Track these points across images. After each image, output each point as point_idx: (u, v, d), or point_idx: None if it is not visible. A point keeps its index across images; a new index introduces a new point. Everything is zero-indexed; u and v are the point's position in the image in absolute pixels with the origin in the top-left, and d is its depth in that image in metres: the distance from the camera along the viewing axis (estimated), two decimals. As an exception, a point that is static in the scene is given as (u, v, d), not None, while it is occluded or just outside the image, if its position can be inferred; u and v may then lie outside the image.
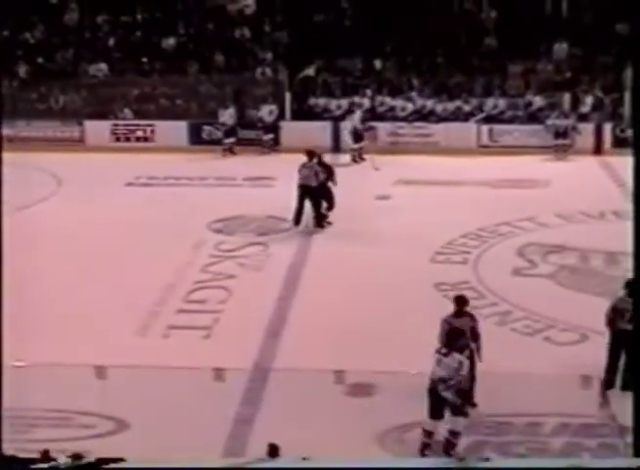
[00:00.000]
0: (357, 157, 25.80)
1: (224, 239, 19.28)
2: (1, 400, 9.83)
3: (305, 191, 19.72)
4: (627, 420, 11.08)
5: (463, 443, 11.34)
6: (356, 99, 27.86)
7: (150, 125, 27.75)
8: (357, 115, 26.65)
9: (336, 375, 12.34)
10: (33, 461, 8.87)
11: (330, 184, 19.92)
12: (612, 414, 11.03)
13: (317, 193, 19.73)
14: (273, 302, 15.90)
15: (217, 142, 27.18)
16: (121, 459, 8.84)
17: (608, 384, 12.55)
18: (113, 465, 8.73)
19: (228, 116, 26.89)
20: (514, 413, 11.95)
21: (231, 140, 26.77)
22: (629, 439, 10.85)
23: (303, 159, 20.00)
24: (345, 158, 25.45)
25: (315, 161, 20.01)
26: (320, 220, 19.78)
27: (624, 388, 12.25)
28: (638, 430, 8.25)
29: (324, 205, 19.94)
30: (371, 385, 12.43)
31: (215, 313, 15.46)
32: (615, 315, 12.70)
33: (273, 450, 9.79)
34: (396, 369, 12.47)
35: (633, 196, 8.38)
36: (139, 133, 27.75)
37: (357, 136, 26.30)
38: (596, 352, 12.92)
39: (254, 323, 14.90)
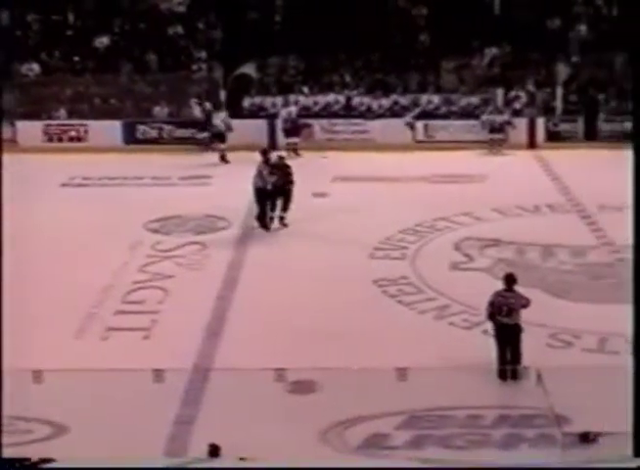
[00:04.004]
0: (292, 153, 25.77)
1: (161, 239, 19.16)
2: (1, 404, 9.70)
3: (256, 193, 19.63)
4: (564, 410, 11.23)
5: (404, 438, 11.40)
6: (291, 97, 27.85)
7: (83, 125, 27.52)
8: (291, 110, 26.65)
9: (276, 373, 12.29)
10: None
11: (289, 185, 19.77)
12: (549, 405, 11.12)
13: (263, 194, 19.62)
14: (212, 301, 15.83)
15: (152, 141, 27.02)
16: (52, 459, 8.72)
17: (501, 374, 12.80)
18: (47, 465, 8.60)
19: (219, 120, 26.40)
20: (454, 406, 12.01)
21: (223, 146, 25.98)
22: (566, 428, 11.01)
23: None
24: (282, 154, 25.40)
25: (262, 161, 19.88)
26: (262, 221, 19.64)
27: (513, 377, 12.68)
28: (638, 430, 8.31)
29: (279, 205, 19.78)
30: (312, 382, 12.41)
31: (154, 314, 15.35)
32: (493, 310, 12.99)
33: (214, 451, 9.76)
34: (338, 366, 12.47)
35: (633, 196, 8.47)
36: (72, 133, 27.50)
37: (291, 132, 26.29)
38: (532, 344, 13.06)
39: (194, 323, 14.82)
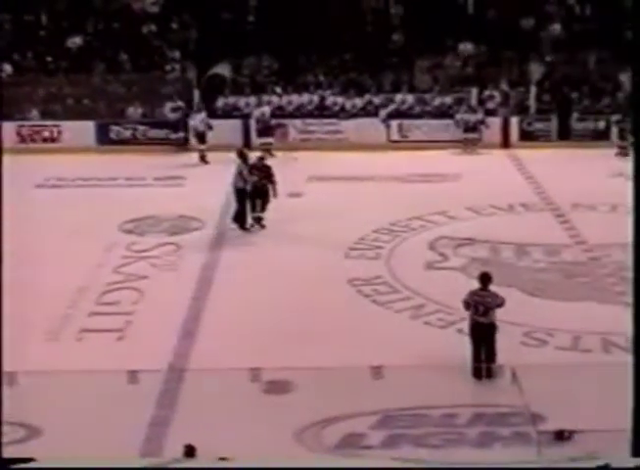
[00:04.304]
0: (266, 153, 25.74)
1: (136, 240, 19.10)
2: (1, 406, 9.64)
3: (236, 192, 19.57)
4: (539, 408, 11.27)
5: (379, 437, 11.41)
6: (265, 97, 27.83)
7: (56, 126, 27.36)
8: (264, 110, 26.64)
9: (252, 373, 12.29)
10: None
11: (269, 185, 19.69)
12: (524, 403, 11.17)
13: (243, 194, 19.57)
14: (187, 301, 15.79)
15: (126, 142, 26.93)
16: (31, 459, 8.67)
17: (476, 373, 12.86)
18: (23, 465, 8.54)
19: (199, 120, 26.26)
20: (429, 405, 12.03)
21: (203, 147, 25.82)
22: (541, 426, 11.05)
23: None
24: (262, 155, 25.38)
25: (241, 161, 19.85)
26: (241, 222, 19.59)
27: (488, 376, 12.75)
28: (638, 430, 8.32)
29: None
30: (288, 382, 12.42)
31: (128, 315, 15.30)
32: (468, 309, 13.06)
33: (189, 452, 9.73)
34: (313, 365, 12.48)
35: (633, 196, 8.51)
36: (45, 134, 27.35)
37: (264, 132, 26.27)
38: (507, 343, 13.11)
39: (168, 324, 14.79)
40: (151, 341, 14.15)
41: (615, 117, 26.66)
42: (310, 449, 11.17)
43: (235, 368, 12.28)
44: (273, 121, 26.93)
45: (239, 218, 19.52)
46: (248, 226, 19.53)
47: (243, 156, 19.97)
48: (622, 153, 25.38)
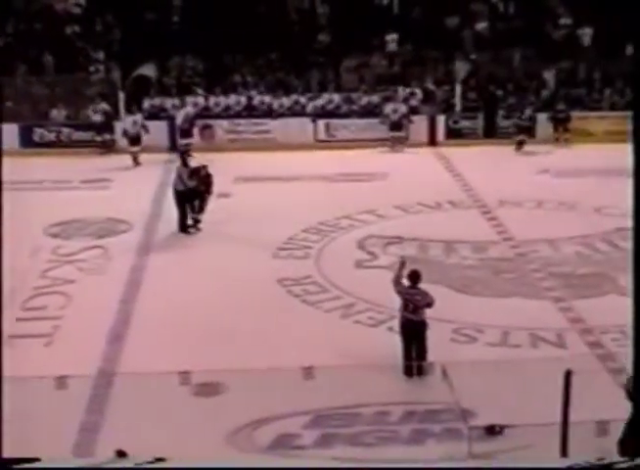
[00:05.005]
0: (186, 154, 25.65)
1: (62, 243, 18.86)
2: (1, 408, 9.42)
3: (176, 196, 19.46)
4: (470, 404, 11.34)
5: (312, 437, 11.40)
6: (190, 98, 27.70)
7: (-22, 129, 26.87)
8: (186, 111, 26.50)
9: (181, 376, 12.19)
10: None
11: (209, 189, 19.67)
12: (455, 399, 11.23)
13: (182, 197, 19.44)
14: (115, 305, 15.63)
15: (50, 144, 26.59)
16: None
17: (407, 371, 12.94)
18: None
19: (131, 123, 25.97)
20: (361, 404, 12.05)
21: (136, 149, 25.53)
22: (472, 422, 11.12)
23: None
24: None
25: (181, 164, 19.70)
26: (183, 224, 19.45)
27: (419, 373, 12.85)
28: (638, 428, 8.39)
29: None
30: (218, 384, 12.34)
31: (56, 320, 15.09)
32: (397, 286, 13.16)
33: (120, 457, 9.61)
34: (244, 367, 12.42)
35: (633, 196, 8.56)
36: (-33, 137, 26.84)
37: (185, 133, 26.14)
38: (437, 340, 13.17)
39: (97, 328, 14.62)
40: (79, 346, 13.97)
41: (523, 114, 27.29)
42: (243, 451, 11.13)
43: (165, 372, 12.17)
44: (200, 122, 26.84)
45: (180, 221, 19.41)
46: (188, 229, 19.42)
47: (184, 159, 19.82)
48: (518, 148, 26.64)
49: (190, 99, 27.66)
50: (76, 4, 30.02)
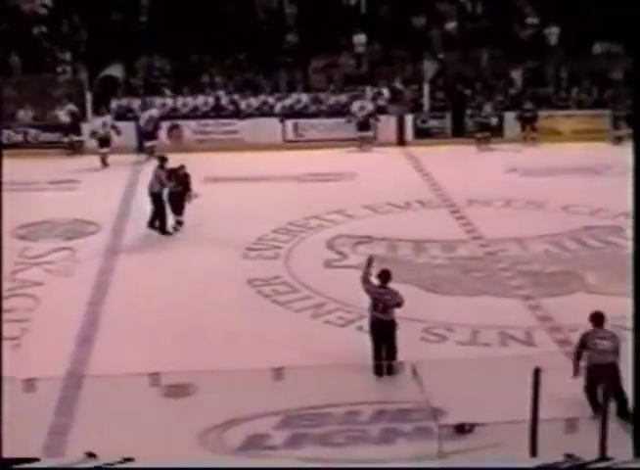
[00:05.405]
0: (151, 155, 25.63)
1: (29, 245, 18.74)
2: (1, 408, 9.32)
3: (151, 197, 19.37)
4: (440, 403, 11.36)
5: (283, 437, 11.39)
6: (158, 99, 27.60)
7: (-56, 131, 26.68)
8: (150, 113, 26.40)
9: (151, 378, 12.13)
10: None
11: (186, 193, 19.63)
12: (425, 398, 11.25)
13: (160, 199, 19.35)
14: (84, 307, 15.56)
15: (17, 146, 26.41)
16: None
17: (377, 370, 12.96)
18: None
19: (100, 124, 25.86)
20: (331, 404, 12.05)
21: (105, 150, 25.35)
22: (442, 420, 11.15)
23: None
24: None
25: (159, 165, 19.63)
26: (161, 226, 19.38)
27: (389, 373, 12.87)
28: (638, 430, 8.39)
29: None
30: (188, 385, 12.29)
31: (24, 322, 14.97)
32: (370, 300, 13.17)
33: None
34: (214, 367, 12.38)
35: (633, 196, 8.58)
36: None
37: (149, 135, 26.04)
38: (407, 339, 13.19)
39: (65, 330, 14.54)
40: (48, 348, 13.88)
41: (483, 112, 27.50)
42: (214, 452, 11.10)
43: (134, 373, 12.11)
44: (168, 123, 26.78)
45: (157, 223, 19.30)
46: (169, 229, 19.35)
47: (161, 161, 19.72)
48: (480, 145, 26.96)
49: (158, 100, 27.59)
50: (43, 5, 29.83)
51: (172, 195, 19.47)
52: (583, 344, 11.90)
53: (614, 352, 11.72)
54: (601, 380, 11.45)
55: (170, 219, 19.55)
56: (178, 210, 19.52)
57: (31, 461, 8.28)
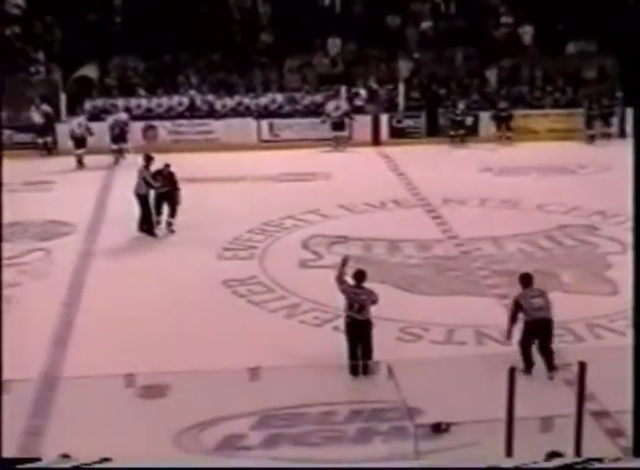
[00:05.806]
0: (120, 155, 25.59)
1: (4, 246, 18.60)
2: (1, 409, 9.25)
3: (138, 199, 19.28)
4: (416, 402, 11.38)
5: (258, 437, 11.38)
6: (131, 100, 27.52)
7: None
8: (115, 117, 26.29)
9: (126, 379, 12.09)
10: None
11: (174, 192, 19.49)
12: (401, 398, 11.26)
13: (146, 199, 19.26)
14: (58, 308, 15.47)
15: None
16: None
17: (352, 370, 12.95)
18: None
19: (76, 124, 25.71)
20: (307, 404, 12.04)
21: (81, 151, 25.29)
22: (419, 420, 11.16)
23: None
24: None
25: (144, 166, 19.50)
26: (149, 228, 19.27)
27: (365, 372, 12.87)
28: (638, 429, 8.38)
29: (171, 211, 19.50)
30: (163, 386, 12.27)
31: (-2, 324, 14.88)
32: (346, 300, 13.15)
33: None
34: (189, 368, 12.35)
35: (633, 196, 8.58)
36: None
37: (116, 137, 25.95)
38: (383, 339, 13.20)
39: (40, 332, 14.46)
40: (22, 349, 13.75)
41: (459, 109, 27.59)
42: (189, 452, 11.07)
43: (109, 374, 12.07)
44: (144, 124, 26.74)
45: (145, 225, 19.21)
46: (154, 231, 19.26)
47: (147, 161, 19.60)
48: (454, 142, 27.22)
49: (133, 101, 27.51)
50: (16, 5, 29.67)
51: (159, 196, 19.38)
52: (519, 305, 12.82)
53: (547, 308, 12.76)
54: (537, 335, 12.65)
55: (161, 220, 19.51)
56: (170, 211, 19.42)
57: (33, 461, 8.23)
